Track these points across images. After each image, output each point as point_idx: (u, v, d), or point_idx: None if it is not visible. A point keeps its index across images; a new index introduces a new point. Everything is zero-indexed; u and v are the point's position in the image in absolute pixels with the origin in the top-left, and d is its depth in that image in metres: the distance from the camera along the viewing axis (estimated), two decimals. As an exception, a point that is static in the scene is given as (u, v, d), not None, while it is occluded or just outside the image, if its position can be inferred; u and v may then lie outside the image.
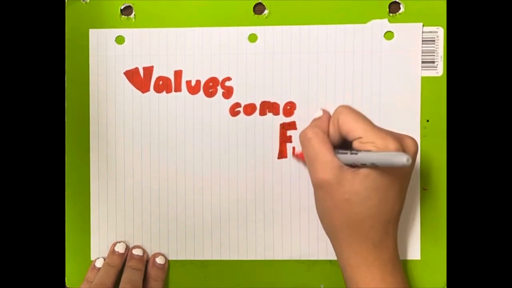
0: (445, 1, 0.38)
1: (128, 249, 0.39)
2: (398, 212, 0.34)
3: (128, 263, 0.38)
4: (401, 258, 0.39)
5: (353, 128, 0.33)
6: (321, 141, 0.33)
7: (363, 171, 0.32)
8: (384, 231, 0.33)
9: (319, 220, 0.36)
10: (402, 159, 0.29)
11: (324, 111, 0.35)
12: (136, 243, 0.39)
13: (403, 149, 0.32)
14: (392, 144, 0.31)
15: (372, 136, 0.32)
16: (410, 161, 0.29)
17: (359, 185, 0.32)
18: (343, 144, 0.34)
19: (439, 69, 0.39)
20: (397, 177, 0.32)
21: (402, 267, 0.35)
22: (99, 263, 0.39)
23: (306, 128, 0.35)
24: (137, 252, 0.39)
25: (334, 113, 0.34)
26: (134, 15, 0.39)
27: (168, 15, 0.39)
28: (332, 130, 0.34)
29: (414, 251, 0.39)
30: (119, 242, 0.39)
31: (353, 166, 0.32)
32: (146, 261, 0.39)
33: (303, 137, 0.35)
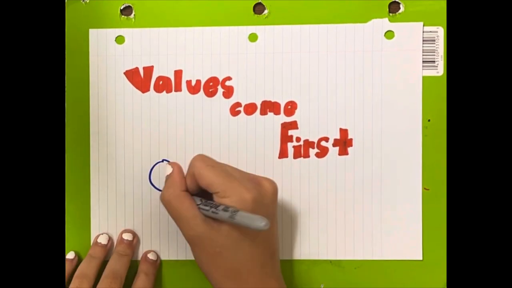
0: (445, 1, 0.38)
1: (111, 241, 0.39)
2: (273, 252, 0.34)
3: (116, 248, 0.38)
4: (403, 258, 0.39)
5: (209, 183, 0.33)
6: (179, 199, 0.33)
7: (226, 225, 0.32)
8: (263, 273, 0.33)
9: (319, 220, 0.36)
10: (260, 224, 0.29)
11: (174, 165, 0.35)
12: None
13: (260, 194, 0.32)
14: (248, 196, 0.31)
15: (228, 190, 0.32)
16: (268, 226, 0.29)
17: (225, 239, 0.32)
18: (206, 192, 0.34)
19: (440, 69, 0.38)
20: None
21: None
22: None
23: (162, 190, 0.35)
24: (127, 236, 0.38)
25: (189, 167, 0.34)
26: (134, 15, 0.39)
27: (168, 15, 0.39)
28: (190, 183, 0.34)
29: (416, 252, 0.39)
30: (102, 234, 0.39)
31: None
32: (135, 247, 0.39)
33: (161, 200, 0.34)
